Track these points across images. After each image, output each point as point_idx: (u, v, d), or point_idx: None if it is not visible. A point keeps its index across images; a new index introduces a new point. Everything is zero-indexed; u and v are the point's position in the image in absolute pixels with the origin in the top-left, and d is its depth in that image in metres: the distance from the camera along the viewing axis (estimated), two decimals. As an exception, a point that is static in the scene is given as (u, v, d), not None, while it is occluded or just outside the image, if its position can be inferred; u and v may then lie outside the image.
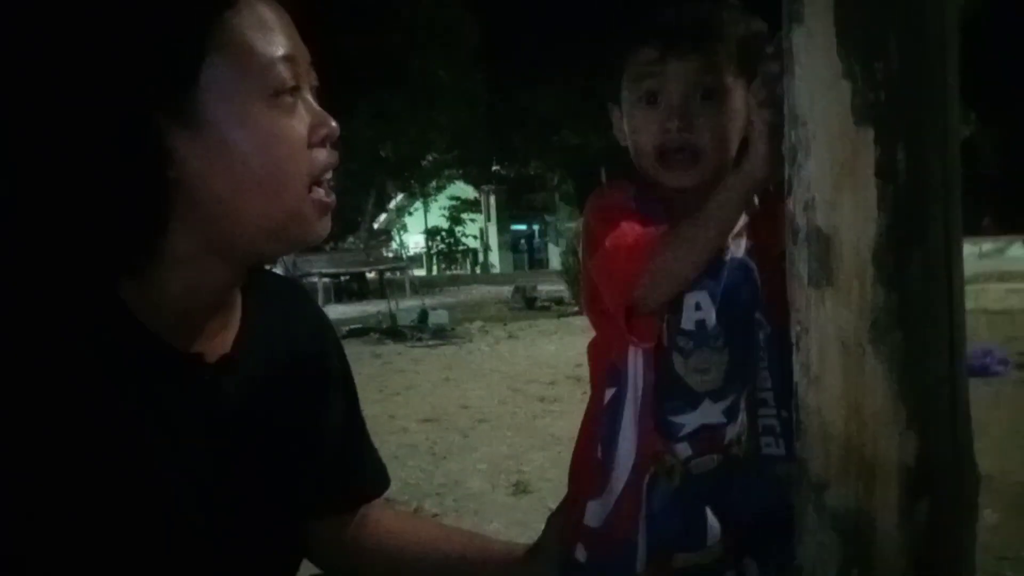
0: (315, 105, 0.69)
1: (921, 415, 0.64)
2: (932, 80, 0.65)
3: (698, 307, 0.78)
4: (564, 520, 0.85)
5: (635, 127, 0.82)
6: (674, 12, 0.81)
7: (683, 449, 0.79)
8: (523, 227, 28.91)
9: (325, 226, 0.70)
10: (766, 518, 0.77)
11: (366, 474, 0.90)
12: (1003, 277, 9.48)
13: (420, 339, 7.81)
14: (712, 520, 0.78)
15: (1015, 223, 16.24)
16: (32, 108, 0.63)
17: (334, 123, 0.69)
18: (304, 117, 0.67)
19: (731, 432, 0.79)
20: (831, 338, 0.67)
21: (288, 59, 0.66)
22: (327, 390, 0.84)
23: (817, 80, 0.66)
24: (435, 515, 2.48)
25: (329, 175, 0.70)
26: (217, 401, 0.71)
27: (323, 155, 0.69)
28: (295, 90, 0.67)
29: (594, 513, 0.81)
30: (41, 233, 0.64)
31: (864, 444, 0.65)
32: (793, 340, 0.70)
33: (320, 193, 0.69)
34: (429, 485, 2.82)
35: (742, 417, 0.79)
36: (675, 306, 0.79)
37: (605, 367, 0.81)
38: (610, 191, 0.87)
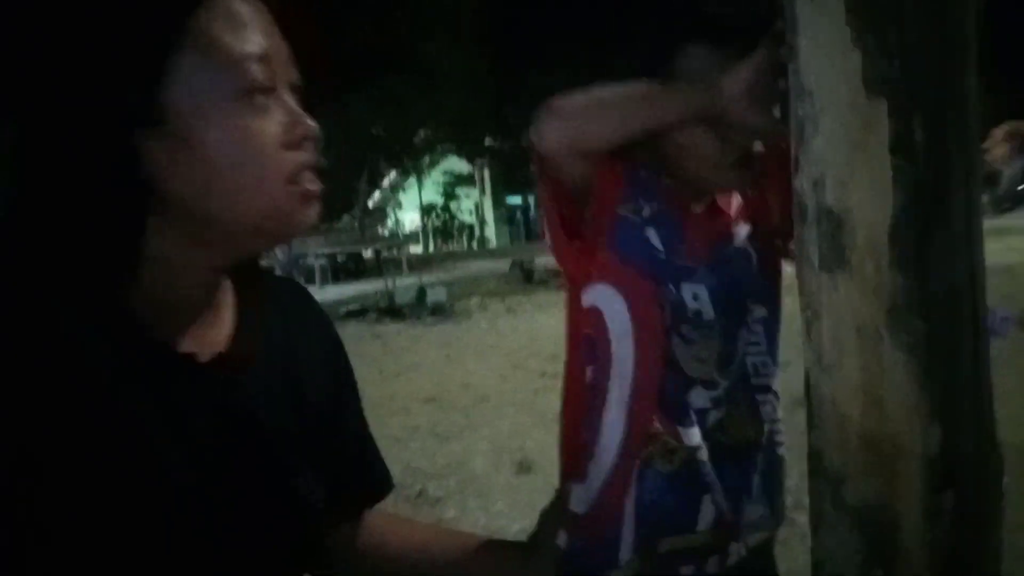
0: (292, 105, 0.66)
1: (945, 405, 0.61)
2: (951, 45, 0.60)
3: (695, 298, 0.75)
4: (558, 510, 0.82)
5: (706, 140, 0.78)
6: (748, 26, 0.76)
7: (690, 435, 0.77)
8: (518, 199, 28.79)
9: (310, 216, 0.68)
10: (754, 503, 0.77)
11: (369, 478, 0.88)
12: (1000, 232, 9.43)
13: (418, 317, 7.80)
14: (704, 504, 0.76)
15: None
16: None
17: (311, 123, 0.67)
18: (278, 118, 0.65)
19: (713, 417, 0.77)
20: (846, 325, 0.63)
21: (261, 57, 0.63)
22: (329, 391, 0.82)
23: (825, 49, 0.61)
24: (439, 498, 2.46)
25: (309, 174, 0.67)
26: (213, 400, 0.68)
27: (299, 156, 0.66)
28: (269, 90, 0.64)
29: (578, 498, 0.79)
30: (16, 235, 0.62)
31: (884, 437, 0.62)
32: (804, 327, 0.66)
33: (303, 183, 0.66)
34: (432, 467, 2.80)
35: (726, 404, 0.77)
36: (675, 292, 0.76)
37: (583, 344, 0.79)
38: None
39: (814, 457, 0.66)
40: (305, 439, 0.76)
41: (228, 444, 0.69)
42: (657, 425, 0.76)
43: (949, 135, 0.60)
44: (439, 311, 7.90)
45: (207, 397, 0.68)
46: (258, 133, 0.63)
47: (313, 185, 0.67)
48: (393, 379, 4.63)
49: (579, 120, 0.74)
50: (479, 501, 2.41)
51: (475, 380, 4.13)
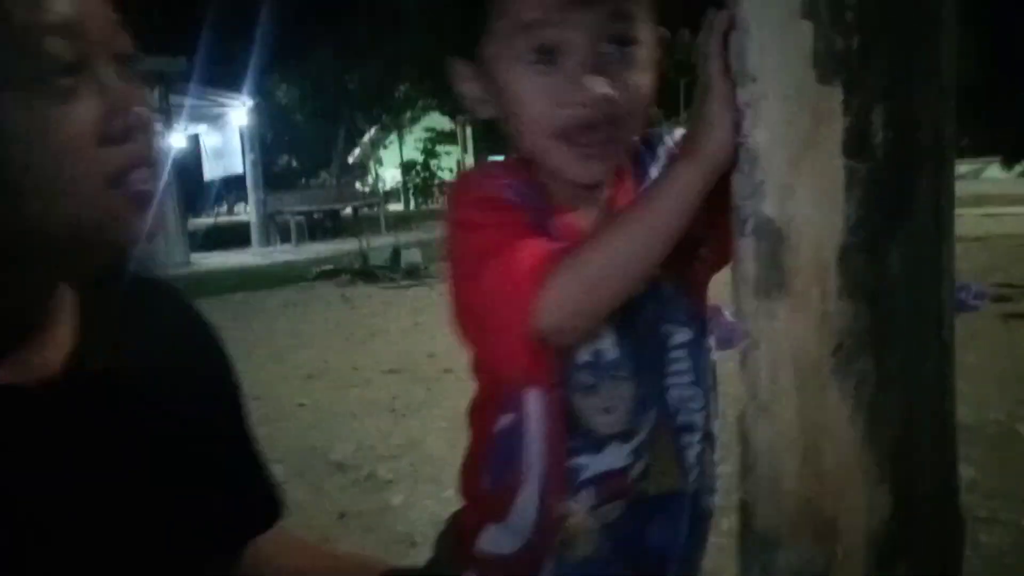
0: (115, 84, 0.54)
1: (895, 465, 0.50)
2: (921, 16, 0.48)
3: (592, 335, 0.62)
4: (456, 541, 0.72)
5: (522, 96, 0.61)
6: None
7: (585, 497, 0.64)
8: (501, 158, 28.42)
9: (142, 223, 0.57)
10: (677, 562, 0.67)
11: (255, 504, 0.79)
12: (979, 201, 9.36)
13: (392, 279, 7.66)
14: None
15: (992, 144, 15.82)
16: None
17: (139, 107, 0.55)
18: (92, 103, 0.53)
19: (636, 470, 0.64)
20: (784, 360, 0.52)
21: (64, 27, 0.52)
22: (204, 406, 0.72)
23: (768, 21, 0.49)
24: (388, 482, 2.36)
25: (142, 170, 0.56)
26: (40, 430, 0.60)
27: (123, 152, 0.54)
28: (78, 68, 0.52)
29: (495, 539, 0.67)
30: None
31: (823, 498, 0.52)
32: (740, 355, 0.55)
33: (130, 184, 0.55)
34: (385, 447, 2.68)
35: (648, 452, 0.64)
36: None
37: (499, 391, 0.66)
38: (482, 178, 0.70)
39: (745, 512, 0.56)
40: (170, 463, 0.67)
41: (62, 477, 0.60)
42: (571, 506, 0.64)
43: (918, 127, 0.49)
44: (414, 273, 7.76)
45: (32, 428, 0.59)
46: (62, 125, 0.52)
47: (145, 185, 0.56)
48: (358, 347, 4.50)
49: (601, 296, 0.56)
50: (430, 486, 2.30)
51: (441, 350, 3.99)
